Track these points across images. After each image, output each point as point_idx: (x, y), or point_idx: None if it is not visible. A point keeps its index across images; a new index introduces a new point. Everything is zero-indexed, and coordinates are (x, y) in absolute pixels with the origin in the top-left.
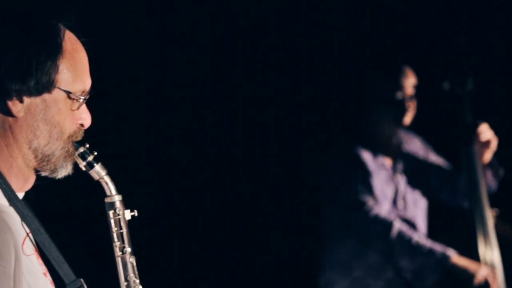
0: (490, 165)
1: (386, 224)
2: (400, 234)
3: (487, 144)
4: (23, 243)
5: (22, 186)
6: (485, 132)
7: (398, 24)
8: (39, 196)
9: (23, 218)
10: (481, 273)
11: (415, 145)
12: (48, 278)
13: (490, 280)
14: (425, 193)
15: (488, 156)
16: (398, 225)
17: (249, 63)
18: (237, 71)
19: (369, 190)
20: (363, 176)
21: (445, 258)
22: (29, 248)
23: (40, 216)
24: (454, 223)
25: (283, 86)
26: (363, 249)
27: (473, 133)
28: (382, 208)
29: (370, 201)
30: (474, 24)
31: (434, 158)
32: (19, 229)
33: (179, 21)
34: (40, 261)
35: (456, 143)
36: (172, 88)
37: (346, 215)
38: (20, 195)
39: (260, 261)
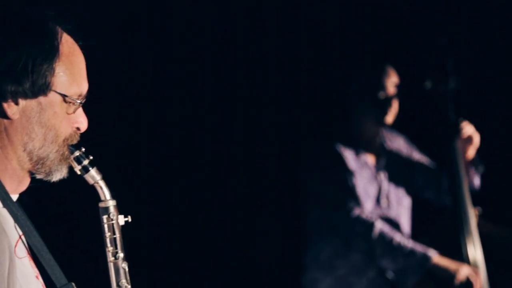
0: (473, 162)
1: (368, 225)
2: (382, 235)
3: (469, 140)
4: (15, 245)
5: (16, 188)
6: (467, 128)
7: (381, 24)
8: (32, 199)
9: (16, 220)
10: (462, 272)
11: (398, 144)
12: (40, 281)
13: (472, 279)
14: (409, 192)
15: (471, 152)
16: (379, 226)
17: (236, 64)
18: (224, 74)
19: (351, 190)
20: (345, 176)
21: (426, 258)
22: (22, 251)
23: (33, 219)
24: (437, 221)
25: (265, 86)
26: (346, 248)
27: (456, 130)
28: (365, 207)
29: (351, 202)
30: (455, 23)
31: (418, 156)
32: (12, 232)
33: (179, 21)
34: (32, 264)
35: (439, 140)
36: (170, 88)
37: (328, 215)
38: (14, 197)
39: (256, 261)
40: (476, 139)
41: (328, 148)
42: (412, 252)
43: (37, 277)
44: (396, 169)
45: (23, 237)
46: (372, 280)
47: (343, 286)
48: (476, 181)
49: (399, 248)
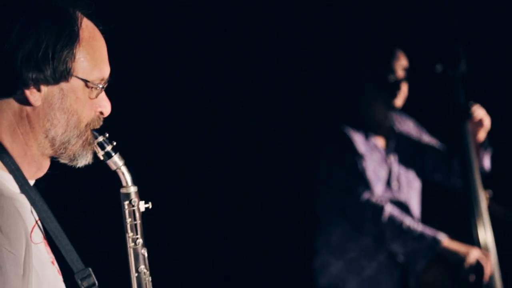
0: (483, 145)
1: (377, 209)
2: (391, 219)
3: (480, 123)
4: (32, 231)
5: (34, 174)
6: (478, 111)
7: (391, 7)
8: (52, 184)
9: (34, 205)
10: (472, 256)
11: (408, 127)
12: (56, 266)
13: (483, 263)
14: (419, 174)
15: (481, 135)
16: (389, 210)
17: (248, 48)
18: (234, 59)
19: (360, 174)
20: (354, 160)
21: (436, 242)
22: (38, 236)
23: (51, 204)
24: (447, 204)
25: (275, 71)
26: (356, 232)
27: (466, 113)
28: (375, 190)
29: (360, 186)
30: (467, 6)
31: (428, 139)
32: (29, 217)
33: (179, 21)
34: (48, 250)
35: (449, 123)
36: (195, 73)
37: (338, 200)
38: (31, 182)
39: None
40: (487, 122)
41: (337, 132)
42: (421, 236)
43: (52, 262)
44: (406, 152)
45: (39, 222)
46: (382, 263)
47: (354, 270)
48: (487, 163)
49: (409, 231)
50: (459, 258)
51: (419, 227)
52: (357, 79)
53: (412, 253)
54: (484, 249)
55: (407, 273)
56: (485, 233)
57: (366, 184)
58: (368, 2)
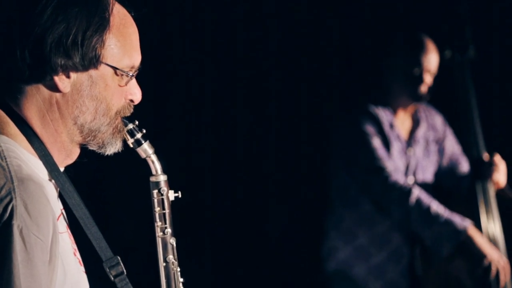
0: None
1: (405, 191)
2: (418, 202)
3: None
4: (57, 219)
5: (63, 161)
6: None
7: None
8: (80, 171)
9: (63, 191)
10: (493, 257)
11: (434, 122)
12: (77, 257)
13: (500, 268)
14: (432, 174)
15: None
16: (417, 192)
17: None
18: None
19: (388, 156)
20: (383, 142)
21: (462, 228)
22: (62, 226)
23: (78, 191)
24: (454, 196)
25: (304, 56)
26: (372, 217)
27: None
28: (399, 175)
29: (389, 167)
30: None
31: (450, 142)
32: (55, 205)
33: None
34: (72, 239)
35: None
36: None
37: (364, 178)
38: (61, 169)
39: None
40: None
41: (365, 111)
42: (448, 221)
43: (74, 253)
44: (426, 146)
45: (63, 211)
46: (391, 253)
47: (361, 257)
48: None
49: (436, 216)
50: (480, 253)
51: (446, 212)
52: (386, 67)
53: (438, 238)
54: (492, 241)
55: (415, 261)
56: (494, 224)
57: (394, 166)
58: None
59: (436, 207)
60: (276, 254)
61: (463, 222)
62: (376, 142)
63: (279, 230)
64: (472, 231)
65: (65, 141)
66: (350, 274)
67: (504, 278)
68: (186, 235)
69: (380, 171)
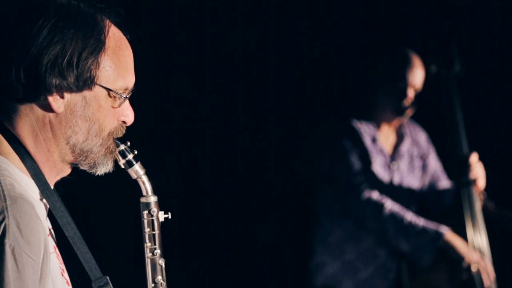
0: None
1: (378, 206)
2: (392, 215)
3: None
4: None
5: (53, 179)
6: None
7: (386, 8)
8: (70, 190)
9: (55, 210)
10: (472, 258)
11: (419, 138)
12: (65, 277)
13: (481, 268)
14: (417, 188)
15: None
16: (389, 206)
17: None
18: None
19: (364, 170)
20: (362, 156)
21: (438, 235)
22: (50, 246)
23: (68, 211)
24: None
25: (290, 67)
26: (358, 232)
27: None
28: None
29: (363, 183)
30: (460, 6)
31: (433, 160)
32: (45, 225)
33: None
34: (60, 259)
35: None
36: (208, 86)
37: (340, 196)
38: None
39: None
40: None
41: (346, 126)
42: (424, 230)
43: (62, 274)
44: (410, 161)
45: (52, 231)
46: (378, 268)
47: (349, 272)
48: None
49: (411, 227)
50: (459, 256)
51: (420, 221)
52: (371, 81)
53: (416, 249)
54: (479, 253)
55: (402, 276)
56: (480, 237)
57: (368, 181)
58: (363, 3)
59: (410, 218)
60: (264, 269)
61: (439, 229)
62: (353, 158)
63: (267, 245)
64: (449, 236)
65: (57, 160)
66: None
67: (487, 278)
68: (176, 256)
69: (354, 187)
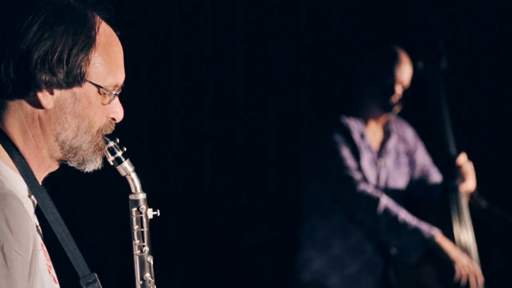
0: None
1: (373, 200)
2: (386, 211)
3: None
4: None
5: (42, 176)
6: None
7: (373, 5)
8: (59, 187)
9: (43, 207)
10: (461, 262)
11: (406, 134)
12: (52, 274)
13: (469, 272)
14: (403, 185)
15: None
16: (384, 201)
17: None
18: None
19: (357, 165)
20: (353, 151)
21: (429, 237)
22: (38, 243)
23: (56, 207)
24: (427, 205)
25: (281, 65)
26: (345, 227)
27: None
28: (368, 185)
29: (357, 176)
30: (447, 2)
31: (421, 155)
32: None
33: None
34: (47, 256)
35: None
36: (201, 84)
37: (333, 188)
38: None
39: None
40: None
41: (337, 123)
42: (416, 230)
43: (49, 271)
44: (397, 158)
45: (40, 227)
46: (365, 263)
47: (336, 267)
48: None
49: (404, 224)
50: (448, 259)
51: (413, 221)
52: (359, 78)
53: (405, 246)
54: (465, 250)
55: (389, 271)
56: (466, 233)
57: (362, 175)
58: (351, 0)
59: (404, 215)
60: (251, 266)
61: (430, 231)
62: (345, 152)
63: (254, 242)
64: (440, 238)
65: (45, 157)
66: (325, 284)
67: (474, 282)
68: (164, 253)
69: (348, 180)
